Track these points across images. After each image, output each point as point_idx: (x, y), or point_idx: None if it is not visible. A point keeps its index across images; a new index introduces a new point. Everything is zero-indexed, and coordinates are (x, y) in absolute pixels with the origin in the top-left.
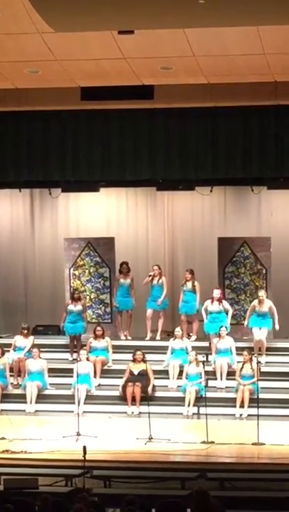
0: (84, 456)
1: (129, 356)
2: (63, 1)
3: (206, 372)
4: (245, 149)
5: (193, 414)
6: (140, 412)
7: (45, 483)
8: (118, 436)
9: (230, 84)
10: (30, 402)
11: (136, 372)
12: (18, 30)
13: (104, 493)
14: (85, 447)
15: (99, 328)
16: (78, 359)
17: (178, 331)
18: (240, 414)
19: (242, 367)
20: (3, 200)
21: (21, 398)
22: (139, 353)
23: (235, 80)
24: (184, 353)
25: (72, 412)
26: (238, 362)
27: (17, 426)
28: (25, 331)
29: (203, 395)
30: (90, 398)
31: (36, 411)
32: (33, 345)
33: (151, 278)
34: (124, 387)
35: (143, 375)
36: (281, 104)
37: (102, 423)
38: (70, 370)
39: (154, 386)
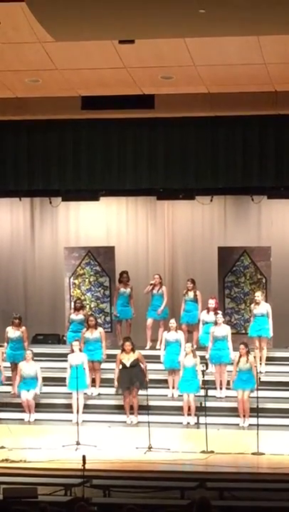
0: (83, 465)
1: None
2: (64, 10)
3: (206, 382)
4: (245, 159)
5: (194, 423)
6: (139, 422)
7: (45, 492)
8: (117, 445)
9: (231, 93)
10: (30, 412)
11: (128, 364)
12: (18, 39)
13: (104, 503)
14: (84, 456)
15: (92, 318)
16: (71, 350)
17: (172, 322)
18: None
19: (238, 360)
20: (3, 209)
21: (21, 407)
22: (128, 343)
23: (236, 90)
24: (178, 345)
25: (71, 421)
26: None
27: (16, 435)
28: (17, 321)
29: (200, 392)
30: (89, 407)
31: (36, 420)
32: (27, 338)
33: (152, 287)
34: (123, 396)
35: (135, 366)
36: (281, 114)
37: (102, 432)
38: None
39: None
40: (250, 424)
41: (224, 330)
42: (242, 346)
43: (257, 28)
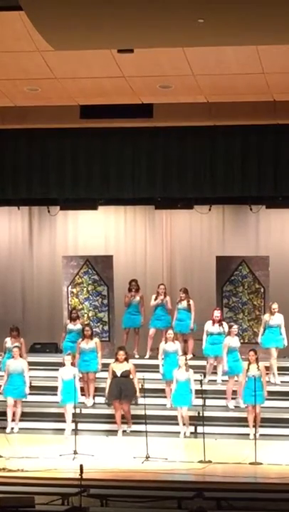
0: (81, 474)
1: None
2: (63, 19)
3: (204, 391)
4: (244, 168)
5: (191, 433)
6: (137, 431)
7: (42, 501)
8: (115, 454)
9: (230, 103)
10: (16, 421)
11: (118, 374)
12: (17, 48)
13: None
14: (81, 466)
15: (87, 328)
16: (62, 364)
17: (170, 333)
18: (254, 434)
19: (248, 368)
20: (1, 218)
21: (20, 416)
22: (121, 352)
23: (234, 99)
24: (176, 355)
25: (72, 430)
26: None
27: (14, 444)
28: (15, 333)
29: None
30: (86, 417)
31: (34, 429)
32: (20, 347)
33: (161, 298)
34: (113, 403)
35: (126, 376)
36: (280, 124)
37: (99, 441)
38: None
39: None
40: (248, 434)
41: (237, 341)
42: (252, 353)
43: (256, 38)
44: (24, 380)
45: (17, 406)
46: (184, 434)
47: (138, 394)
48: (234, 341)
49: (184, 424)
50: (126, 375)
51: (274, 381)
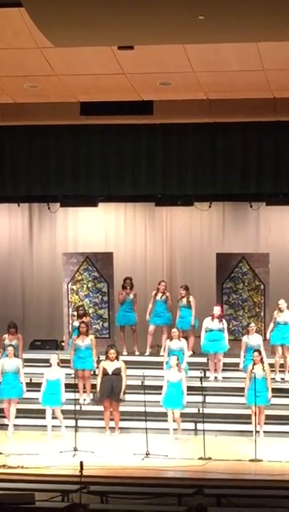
0: (81, 471)
1: (131, 372)
2: (63, 16)
3: (204, 388)
4: (244, 165)
5: (190, 429)
6: (137, 428)
7: (42, 498)
8: (115, 451)
9: (230, 100)
10: (9, 421)
11: (110, 372)
12: (17, 45)
13: (101, 509)
14: (82, 462)
15: (83, 325)
16: (49, 364)
17: (174, 331)
18: (257, 432)
19: (252, 368)
20: (1, 215)
21: (19, 413)
22: (112, 351)
23: (235, 96)
24: (181, 354)
25: (73, 427)
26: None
27: (14, 441)
28: (13, 329)
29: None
30: (85, 413)
31: (35, 425)
32: (22, 346)
33: (167, 295)
34: (102, 401)
35: (117, 374)
36: (280, 121)
37: (99, 438)
38: (69, 385)
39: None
40: (247, 431)
41: (257, 339)
42: (256, 354)
43: (256, 35)
44: (19, 379)
45: (11, 405)
46: (176, 431)
47: (123, 393)
48: (252, 339)
49: (174, 421)
50: (117, 372)
51: (287, 378)
